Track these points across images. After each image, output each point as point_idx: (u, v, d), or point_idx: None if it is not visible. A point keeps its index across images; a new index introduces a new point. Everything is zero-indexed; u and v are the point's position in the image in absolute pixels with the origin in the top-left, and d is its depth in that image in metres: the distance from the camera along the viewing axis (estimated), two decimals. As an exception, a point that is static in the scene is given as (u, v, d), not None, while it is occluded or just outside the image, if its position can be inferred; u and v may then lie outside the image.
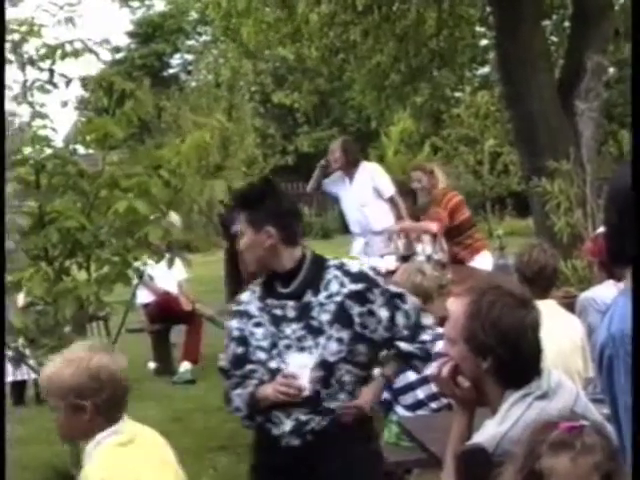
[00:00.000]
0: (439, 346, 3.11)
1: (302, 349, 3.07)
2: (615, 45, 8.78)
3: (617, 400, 1.98)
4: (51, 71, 4.88)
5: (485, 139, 19.24)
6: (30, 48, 4.87)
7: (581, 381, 3.98)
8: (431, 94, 11.84)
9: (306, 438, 3.08)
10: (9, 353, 4.73)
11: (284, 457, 3.11)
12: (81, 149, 5.10)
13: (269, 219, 3.11)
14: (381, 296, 3.11)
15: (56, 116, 4.90)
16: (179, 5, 30.03)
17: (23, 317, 4.56)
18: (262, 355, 3.12)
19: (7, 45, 4.83)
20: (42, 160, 4.76)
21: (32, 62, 4.88)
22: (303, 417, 3.08)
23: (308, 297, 3.10)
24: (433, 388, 4.19)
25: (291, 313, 3.11)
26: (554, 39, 11.24)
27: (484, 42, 13.31)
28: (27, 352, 4.78)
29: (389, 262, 6.66)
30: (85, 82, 5.01)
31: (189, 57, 29.79)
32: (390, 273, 5.30)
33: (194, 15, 29.27)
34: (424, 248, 6.80)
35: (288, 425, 3.09)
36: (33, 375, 6.28)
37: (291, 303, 3.12)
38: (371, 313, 3.09)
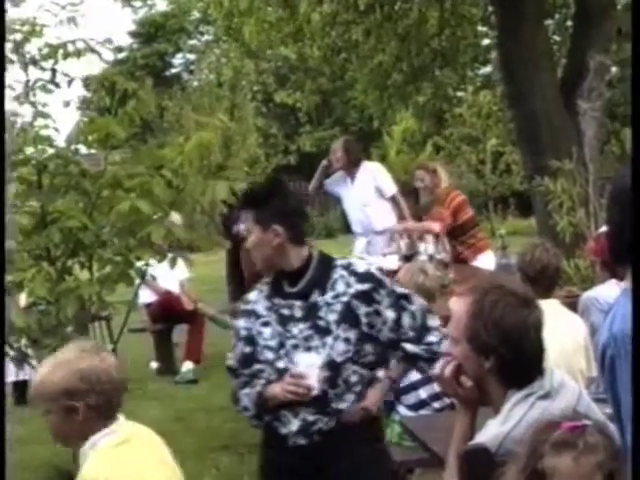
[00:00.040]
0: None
1: (309, 349, 3.07)
2: (618, 44, 8.76)
3: (619, 400, 1.98)
4: (53, 71, 4.88)
5: (487, 138, 19.24)
6: (32, 48, 4.87)
7: (584, 380, 3.98)
8: (433, 93, 11.83)
9: (313, 438, 3.08)
10: (11, 353, 4.73)
11: (291, 456, 3.11)
12: (83, 149, 5.09)
13: (276, 218, 3.11)
14: (387, 297, 3.10)
15: (58, 116, 4.90)
16: (181, 5, 30.06)
17: (25, 317, 4.55)
18: (270, 355, 3.12)
19: (9, 45, 4.83)
20: (44, 160, 4.76)
21: (34, 62, 4.88)
22: (310, 417, 3.08)
23: (315, 297, 3.10)
24: (435, 388, 4.19)
25: (298, 313, 3.10)
26: (556, 38, 11.23)
27: (486, 41, 13.29)
28: (30, 352, 4.77)
29: (391, 262, 6.65)
30: (87, 82, 5.01)
31: (191, 57, 29.81)
32: (392, 273, 5.29)
33: (196, 15, 29.29)
34: (426, 248, 6.80)
35: (295, 425, 3.09)
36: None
37: (298, 303, 3.11)
38: (377, 313, 3.08)
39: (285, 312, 3.12)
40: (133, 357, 8.87)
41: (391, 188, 7.59)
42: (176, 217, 4.96)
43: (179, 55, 31.51)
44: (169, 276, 7.44)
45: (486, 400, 2.53)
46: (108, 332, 8.07)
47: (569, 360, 3.96)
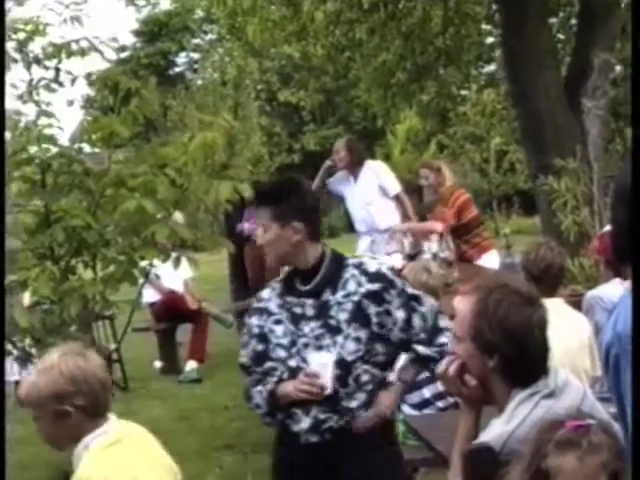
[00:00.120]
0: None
1: (320, 347, 3.07)
2: (622, 43, 8.75)
3: (624, 399, 1.98)
4: (57, 70, 4.89)
5: (491, 137, 19.21)
6: (36, 47, 4.88)
7: (588, 380, 3.97)
8: (437, 92, 11.82)
9: (325, 436, 3.09)
10: (15, 352, 4.73)
11: (303, 454, 3.12)
12: (87, 148, 5.09)
13: (296, 214, 3.09)
14: (398, 297, 3.10)
15: (62, 115, 4.91)
16: (185, 3, 30.08)
17: (29, 316, 4.56)
18: (282, 353, 3.12)
19: (13, 44, 4.83)
20: (48, 159, 4.76)
21: (38, 61, 4.88)
22: (321, 415, 3.08)
23: (326, 295, 3.10)
24: (439, 387, 4.18)
25: (310, 311, 3.10)
26: (561, 37, 11.22)
27: (490, 40, 13.29)
28: (33, 351, 4.77)
29: (395, 260, 6.65)
30: (91, 78, 5.00)
31: (195, 55, 29.83)
32: (397, 272, 5.28)
33: (200, 13, 29.33)
34: (430, 246, 6.79)
35: (306, 422, 3.10)
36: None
37: (310, 301, 3.11)
38: (388, 313, 3.08)
39: (297, 310, 3.12)
40: (137, 356, 8.89)
41: (395, 187, 7.58)
42: (178, 216, 4.96)
43: (183, 54, 31.55)
44: (173, 275, 7.44)
45: (490, 399, 2.53)
46: (112, 331, 8.09)
47: (573, 359, 3.95)
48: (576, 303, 4.66)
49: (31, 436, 2.92)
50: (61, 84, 4.89)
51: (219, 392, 7.70)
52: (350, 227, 8.51)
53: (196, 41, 31.31)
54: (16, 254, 4.61)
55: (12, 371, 6.67)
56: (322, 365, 3.05)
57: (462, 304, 2.55)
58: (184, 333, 8.90)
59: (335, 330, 3.06)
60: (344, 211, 8.58)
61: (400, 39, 10.62)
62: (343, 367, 3.05)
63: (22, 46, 4.84)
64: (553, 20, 10.78)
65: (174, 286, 8.58)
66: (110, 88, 5.04)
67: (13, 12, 4.94)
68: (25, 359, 4.79)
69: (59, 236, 4.62)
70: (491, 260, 7.13)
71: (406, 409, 4.38)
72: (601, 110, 8.32)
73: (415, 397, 4.38)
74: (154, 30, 30.83)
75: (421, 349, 3.16)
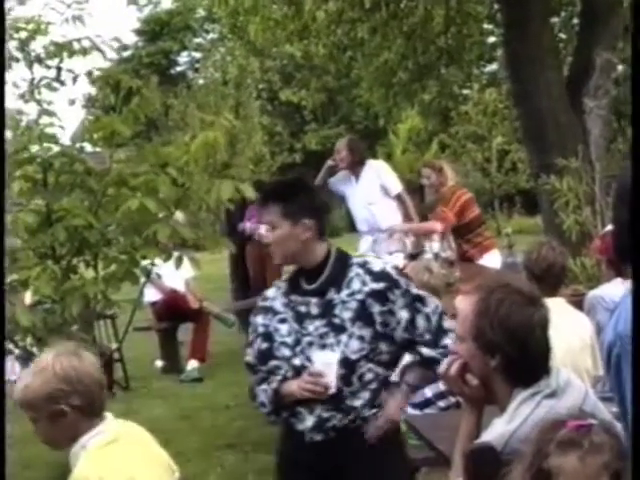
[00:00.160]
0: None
1: (324, 346, 3.07)
2: (624, 42, 8.74)
3: (626, 399, 1.97)
4: (59, 69, 4.89)
5: (493, 136, 19.23)
6: (37, 46, 4.88)
7: (590, 379, 3.97)
8: (439, 91, 11.81)
9: (329, 435, 3.09)
10: (16, 351, 4.73)
11: (308, 453, 3.13)
12: (88, 147, 5.10)
13: (306, 212, 3.10)
14: (402, 297, 3.10)
15: (63, 114, 4.91)
16: (186, 2, 30.11)
17: (30, 315, 4.56)
18: (286, 351, 3.13)
19: (14, 43, 4.84)
20: (49, 158, 4.77)
21: (39, 60, 4.88)
22: (325, 414, 3.09)
23: (331, 294, 3.10)
24: (441, 386, 4.18)
25: (314, 310, 3.11)
26: (563, 36, 11.21)
27: (492, 39, 13.29)
28: (35, 351, 4.78)
29: (397, 260, 6.64)
30: (92, 76, 5.00)
31: (196, 55, 29.85)
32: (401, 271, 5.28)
33: (201, 13, 29.36)
34: (432, 246, 6.79)
35: (310, 421, 3.10)
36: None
37: (314, 300, 3.11)
38: (391, 313, 3.08)
39: (302, 309, 3.13)
40: (138, 355, 8.89)
41: (396, 186, 7.58)
42: (179, 216, 4.96)
43: (184, 53, 31.58)
44: (174, 275, 7.44)
45: (492, 399, 2.52)
46: (113, 331, 8.09)
47: (575, 359, 3.95)
48: (578, 303, 4.65)
49: (31, 435, 2.91)
50: (63, 83, 4.89)
51: (220, 391, 7.70)
52: (352, 227, 8.51)
53: (198, 40, 31.34)
54: (17, 253, 4.61)
55: (13, 370, 6.67)
56: (326, 364, 3.05)
57: (464, 304, 2.54)
58: (185, 332, 8.90)
59: (339, 329, 3.07)
60: (345, 211, 8.56)
61: (402, 38, 10.61)
62: (347, 366, 3.05)
63: (24, 45, 4.85)
64: (555, 19, 10.78)
65: (175, 285, 8.57)
66: (112, 87, 5.04)
67: (15, 11, 4.95)
68: (26, 358, 4.79)
69: (61, 235, 4.62)
70: (493, 260, 7.12)
71: (408, 408, 4.37)
72: (603, 110, 8.31)
73: (417, 397, 4.37)
74: (156, 29, 30.85)
75: (425, 351, 3.15)
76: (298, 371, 3.10)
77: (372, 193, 7.46)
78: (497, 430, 2.41)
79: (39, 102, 4.84)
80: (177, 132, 12.28)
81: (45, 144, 4.77)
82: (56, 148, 4.81)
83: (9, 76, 4.73)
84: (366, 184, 7.48)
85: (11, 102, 4.76)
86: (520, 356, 2.42)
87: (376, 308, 3.07)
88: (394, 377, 3.30)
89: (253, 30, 10.74)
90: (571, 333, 4.05)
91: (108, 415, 2.84)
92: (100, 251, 4.81)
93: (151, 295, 8.28)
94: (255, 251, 9.54)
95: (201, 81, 17.93)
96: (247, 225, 9.57)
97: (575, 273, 6.46)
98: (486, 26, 12.10)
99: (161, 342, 8.99)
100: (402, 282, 3.14)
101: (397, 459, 3.24)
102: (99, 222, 4.72)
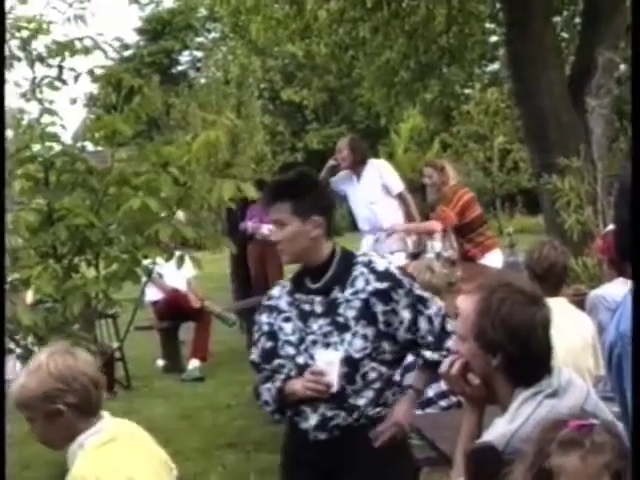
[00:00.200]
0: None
1: (327, 345, 3.07)
2: (626, 41, 8.73)
3: (627, 398, 1.97)
4: (60, 68, 4.89)
5: (495, 136, 19.25)
6: (39, 45, 4.88)
7: (592, 379, 3.96)
8: (441, 91, 11.82)
9: (333, 433, 3.09)
10: (17, 351, 4.73)
11: (312, 451, 3.13)
12: (90, 146, 5.09)
13: (315, 209, 3.09)
14: (405, 297, 3.09)
15: (65, 113, 4.91)
16: (188, 2, 30.11)
17: (32, 315, 4.56)
18: (290, 350, 3.13)
19: (16, 42, 4.83)
20: (51, 157, 4.76)
21: (41, 59, 4.88)
22: (329, 413, 3.08)
23: (335, 293, 3.10)
24: (442, 386, 4.17)
25: (319, 308, 3.11)
26: (565, 35, 11.21)
27: (494, 39, 13.27)
28: (36, 350, 4.77)
29: (399, 259, 6.64)
30: (93, 74, 4.99)
31: (198, 54, 29.87)
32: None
33: (203, 12, 29.36)
34: (434, 245, 6.79)
35: (314, 419, 3.10)
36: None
37: (319, 298, 3.11)
38: (394, 312, 3.08)
39: (306, 308, 3.13)
40: (139, 355, 8.89)
41: (398, 185, 7.57)
42: (180, 215, 4.96)
43: (186, 52, 31.60)
44: (176, 274, 7.43)
45: (493, 398, 2.52)
46: (115, 330, 8.09)
47: (577, 358, 3.95)
48: (579, 302, 4.65)
49: (31, 435, 2.91)
50: (64, 82, 4.89)
51: (222, 390, 7.70)
52: (353, 226, 8.50)
53: (199, 39, 31.36)
54: (19, 252, 4.61)
55: (14, 370, 6.67)
56: (328, 363, 3.05)
57: (465, 303, 2.54)
58: (187, 332, 8.91)
59: (343, 327, 3.07)
60: (347, 210, 8.57)
61: (404, 38, 10.62)
62: (350, 364, 3.05)
63: (25, 44, 4.84)
64: (557, 19, 10.78)
65: (177, 285, 8.57)
66: (113, 86, 5.04)
67: (17, 10, 4.95)
68: (28, 357, 4.79)
69: (62, 234, 4.62)
70: (494, 259, 7.12)
71: (417, 412, 4.37)
72: (605, 109, 8.31)
73: (418, 396, 4.37)
74: (157, 28, 30.87)
75: (428, 354, 3.15)
76: (302, 369, 3.09)
77: (374, 192, 7.46)
78: (498, 430, 2.41)
79: (41, 101, 4.84)
80: (179, 131, 12.28)
81: (47, 143, 4.77)
82: (58, 147, 4.81)
83: (11, 75, 4.74)
84: (368, 183, 7.48)
85: (13, 101, 4.76)
86: (522, 356, 2.42)
87: (379, 307, 3.07)
88: (397, 376, 3.30)
89: (255, 29, 10.75)
90: (573, 333, 4.04)
91: (105, 414, 2.84)
92: (101, 250, 4.81)
93: (152, 294, 8.28)
94: (256, 250, 9.54)
95: (203, 80, 17.95)
96: (248, 224, 9.56)
97: (577, 273, 6.46)
98: (488, 25, 12.10)
99: (162, 341, 8.99)
100: (405, 282, 3.14)
101: (402, 459, 3.24)
102: (100, 221, 4.72)
